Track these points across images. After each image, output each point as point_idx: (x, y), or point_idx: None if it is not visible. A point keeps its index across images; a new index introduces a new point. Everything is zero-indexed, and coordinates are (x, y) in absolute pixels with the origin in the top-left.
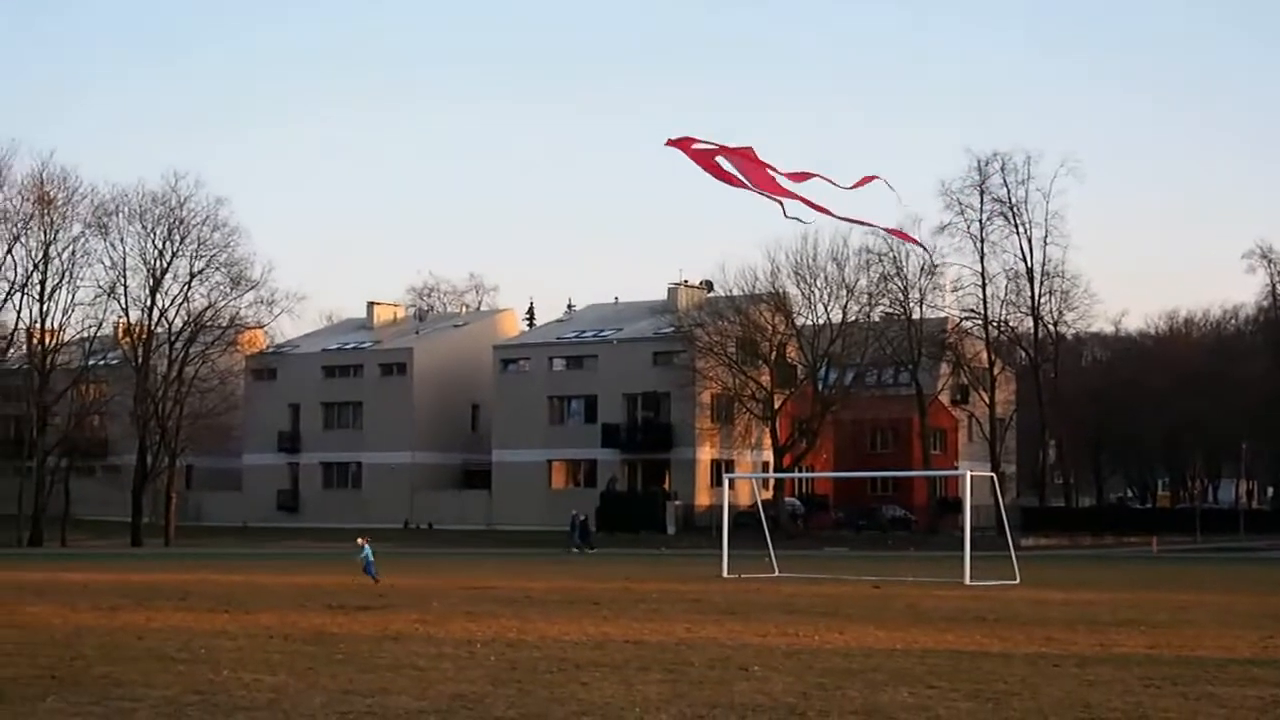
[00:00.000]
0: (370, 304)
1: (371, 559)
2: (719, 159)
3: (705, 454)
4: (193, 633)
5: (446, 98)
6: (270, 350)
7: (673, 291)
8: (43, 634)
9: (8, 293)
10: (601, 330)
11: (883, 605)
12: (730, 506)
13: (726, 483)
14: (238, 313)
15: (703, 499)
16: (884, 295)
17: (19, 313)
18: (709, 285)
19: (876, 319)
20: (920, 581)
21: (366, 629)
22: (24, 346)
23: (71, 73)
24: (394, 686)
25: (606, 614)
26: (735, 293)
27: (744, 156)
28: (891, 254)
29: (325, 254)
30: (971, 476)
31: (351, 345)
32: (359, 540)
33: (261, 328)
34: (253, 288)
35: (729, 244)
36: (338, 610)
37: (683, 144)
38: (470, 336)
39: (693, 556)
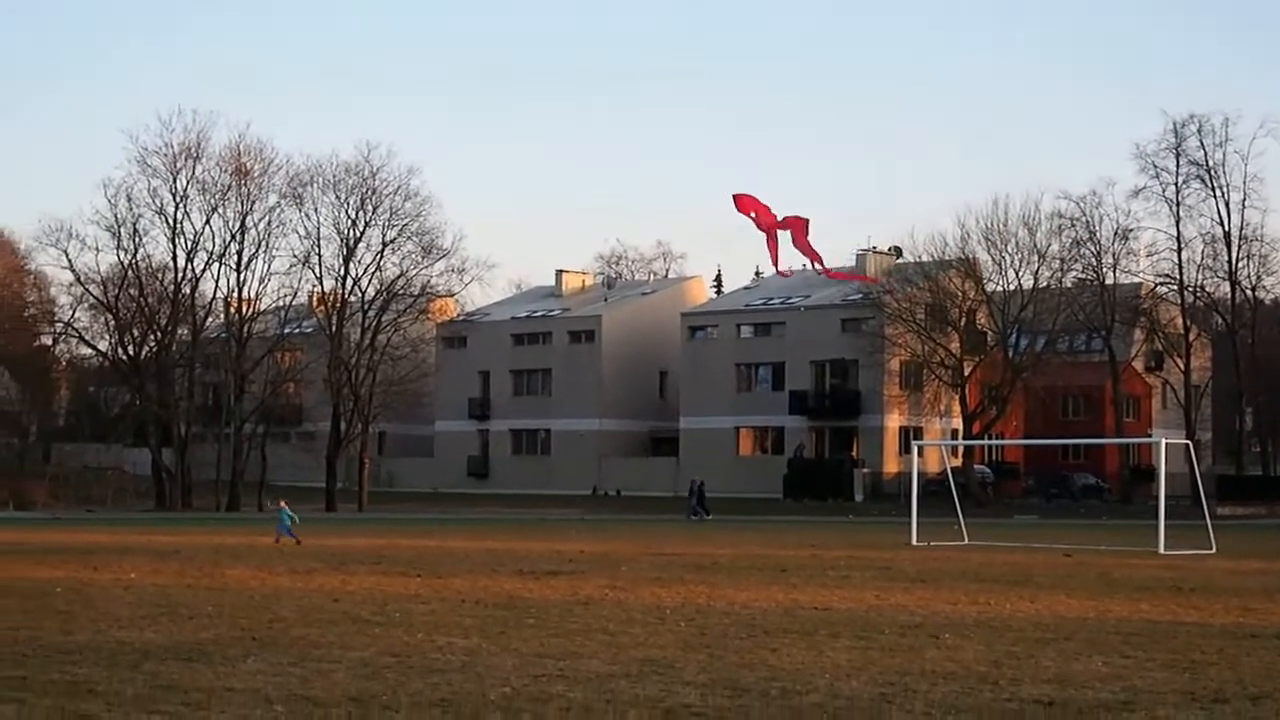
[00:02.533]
0: (559, 272)
1: (287, 522)
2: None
3: (893, 421)
4: (387, 596)
5: (635, 67)
6: (461, 318)
7: (861, 257)
8: (242, 596)
9: (206, 262)
10: (789, 297)
11: (1074, 574)
12: (919, 474)
13: (915, 450)
14: (429, 281)
15: (891, 466)
16: (1076, 260)
17: (217, 282)
18: (898, 251)
19: (1068, 284)
20: (1113, 550)
21: (557, 594)
22: (222, 315)
23: (267, 44)
24: (585, 650)
25: (795, 581)
26: (925, 259)
27: (791, 227)
28: (1084, 219)
29: (515, 223)
30: (1166, 444)
31: (540, 313)
32: (280, 503)
33: (452, 296)
34: (443, 256)
35: (918, 210)
36: (528, 575)
37: (744, 201)
38: (658, 304)
39: (881, 524)
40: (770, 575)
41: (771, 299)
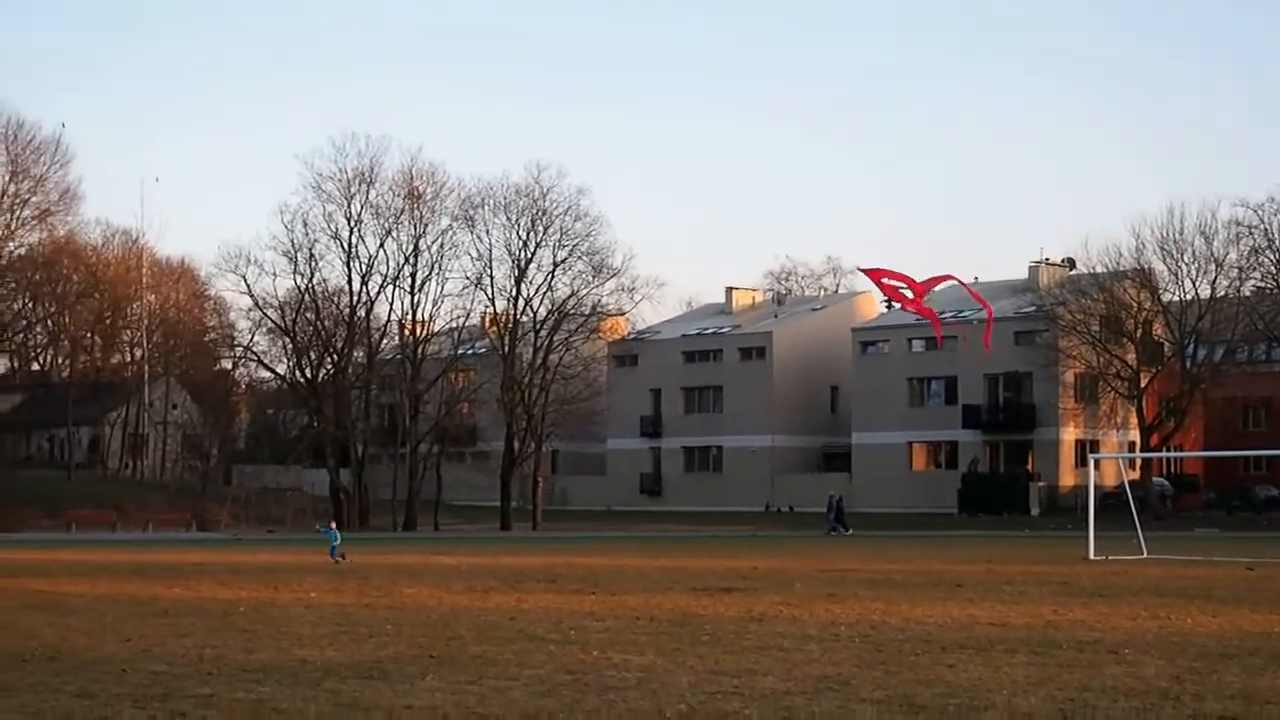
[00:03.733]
0: (729, 289)
1: (336, 542)
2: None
3: (1069, 434)
4: (562, 614)
5: (805, 80)
6: (632, 336)
7: (1034, 269)
8: (419, 615)
9: (380, 285)
10: (961, 311)
11: (1257, 588)
12: (1095, 487)
13: (1091, 463)
14: (600, 300)
15: (1067, 480)
16: (1255, 269)
17: (391, 304)
18: (1071, 263)
19: (1247, 293)
20: None
21: (731, 611)
22: (396, 337)
23: (438, 69)
24: (760, 667)
25: (971, 596)
26: (1098, 269)
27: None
28: (1263, 226)
29: (684, 241)
30: None
31: (711, 330)
32: (331, 524)
33: (623, 314)
34: (614, 275)
35: (1091, 220)
36: (702, 592)
37: (875, 275)
38: (828, 319)
39: (1057, 538)
40: (946, 590)
41: (943, 313)
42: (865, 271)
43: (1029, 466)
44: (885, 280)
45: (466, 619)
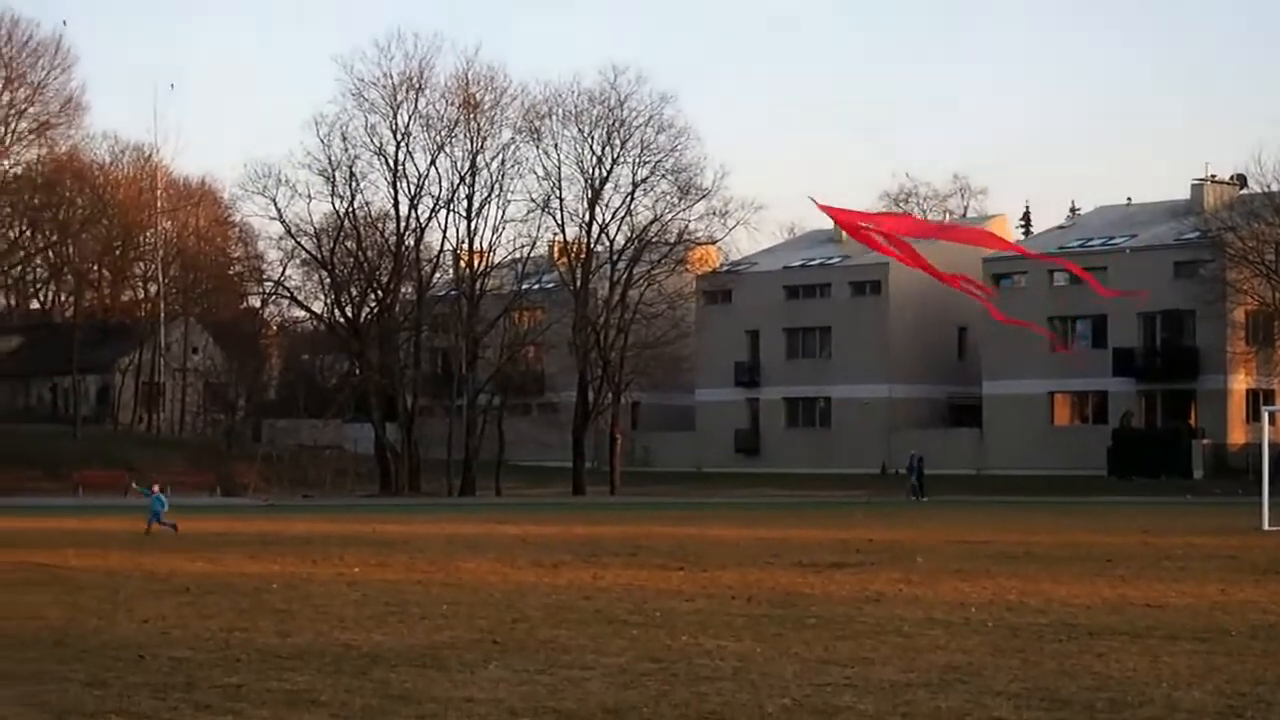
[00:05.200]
0: None
1: (159, 508)
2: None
3: (1239, 383)
4: (645, 592)
5: None
6: (725, 269)
7: (1197, 189)
8: (480, 593)
9: (432, 209)
10: (1112, 238)
11: None
12: (1271, 445)
13: (1266, 416)
14: (687, 226)
15: (1237, 436)
16: None
17: (444, 232)
18: (1241, 180)
19: None
20: None
21: (842, 589)
22: (451, 270)
23: None
24: (876, 655)
25: (1123, 573)
26: (1275, 188)
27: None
28: None
29: (786, 157)
30: None
31: (818, 261)
32: (155, 488)
33: (714, 243)
34: (703, 197)
35: (1266, 130)
36: (808, 568)
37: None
38: (955, 248)
39: (1225, 505)
40: (1094, 566)
41: (1090, 240)
42: (823, 208)
43: (1191, 421)
44: (859, 224)
45: (534, 598)
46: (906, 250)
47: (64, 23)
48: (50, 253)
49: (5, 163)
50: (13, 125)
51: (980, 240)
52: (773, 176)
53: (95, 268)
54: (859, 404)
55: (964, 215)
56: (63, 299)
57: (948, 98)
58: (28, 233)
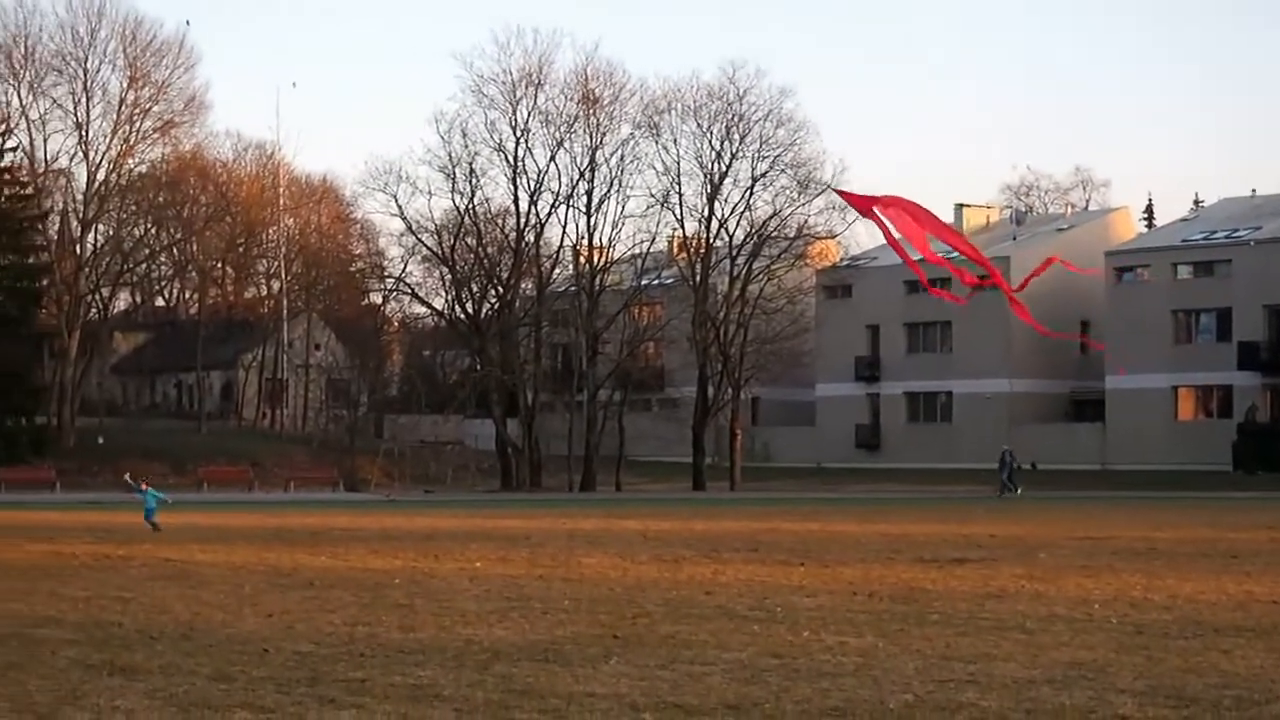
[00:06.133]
0: (959, 206)
1: (153, 504)
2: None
3: None
4: (766, 588)
5: None
6: (845, 263)
7: None
8: (601, 588)
9: (551, 205)
10: (1236, 230)
11: None
12: None
13: None
14: (806, 221)
15: None
16: None
17: (564, 227)
18: None
19: None
20: None
21: (964, 585)
22: (570, 266)
23: None
24: (999, 652)
25: (1249, 569)
26: None
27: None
28: None
29: (906, 150)
30: None
31: (939, 254)
32: (144, 485)
33: (834, 238)
34: (823, 191)
35: None
36: (930, 564)
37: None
38: (1077, 241)
39: None
40: (1219, 563)
41: (1214, 233)
42: (843, 195)
43: None
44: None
45: (655, 594)
46: (916, 234)
47: (187, 22)
48: (175, 250)
49: (130, 161)
50: (138, 124)
51: (968, 253)
52: (893, 170)
53: (219, 265)
54: (980, 399)
55: (1085, 209)
56: (187, 296)
57: (1070, 88)
58: (153, 230)
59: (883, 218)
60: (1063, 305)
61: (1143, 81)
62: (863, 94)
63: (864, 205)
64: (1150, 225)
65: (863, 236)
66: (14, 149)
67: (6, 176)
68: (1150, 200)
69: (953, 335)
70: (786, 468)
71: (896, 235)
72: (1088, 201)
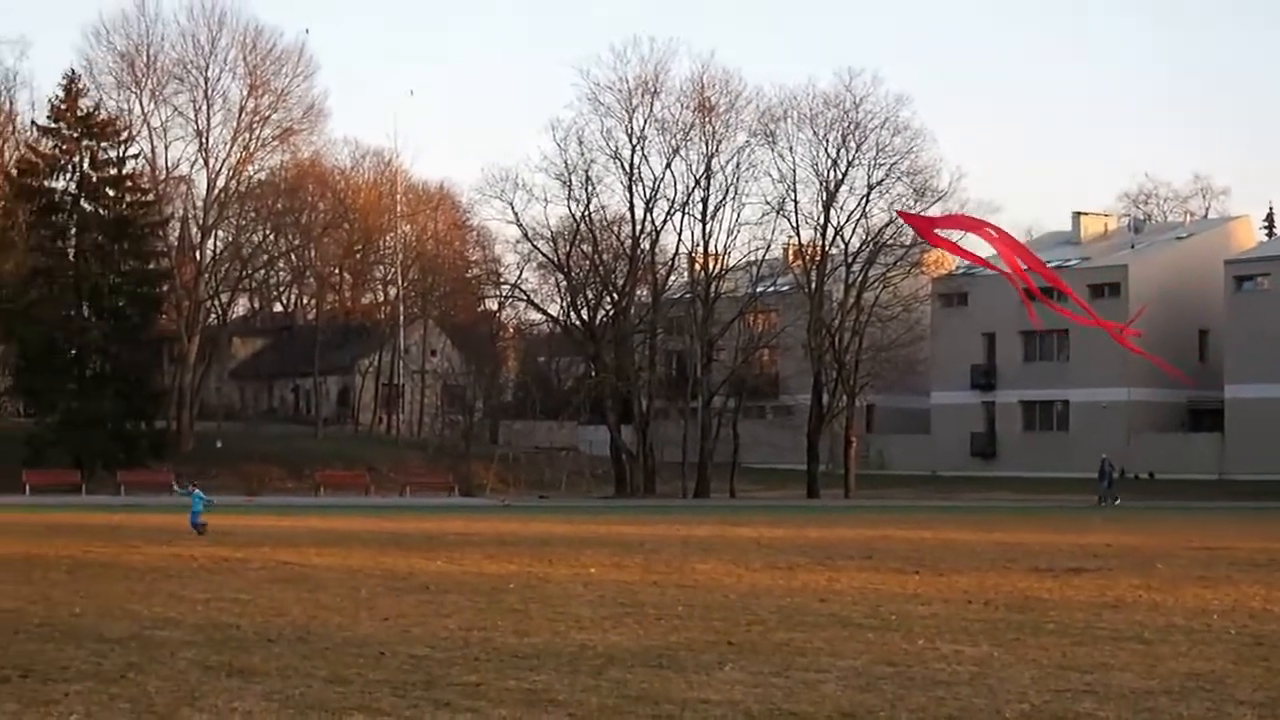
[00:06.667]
0: (1076, 215)
1: (200, 507)
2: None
3: None
4: (880, 596)
5: None
6: (960, 271)
7: None
8: (715, 595)
9: (667, 213)
10: None
11: None
12: None
13: None
14: None
15: None
16: None
17: (679, 235)
18: None
19: None
20: None
21: (1080, 595)
22: (685, 273)
23: None
24: (1115, 662)
25: None
26: None
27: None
28: None
29: (1022, 158)
30: None
31: (1055, 263)
32: (192, 487)
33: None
34: (939, 199)
35: None
36: (1045, 572)
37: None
38: (1196, 250)
39: None
40: None
41: None
42: (906, 217)
43: None
44: (941, 233)
45: (769, 601)
46: (1000, 248)
47: (306, 31)
48: (293, 256)
49: (250, 168)
50: (257, 132)
51: (1029, 261)
52: (1009, 177)
53: (336, 271)
54: (1097, 408)
55: (1204, 217)
56: (305, 302)
57: (1189, 94)
58: (271, 237)
59: (950, 238)
60: (1180, 314)
61: (1263, 88)
62: (979, 100)
63: (925, 227)
64: (1271, 234)
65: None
66: (136, 156)
67: (128, 183)
68: (1271, 209)
69: (1070, 344)
70: (901, 475)
71: (979, 251)
72: (1207, 210)
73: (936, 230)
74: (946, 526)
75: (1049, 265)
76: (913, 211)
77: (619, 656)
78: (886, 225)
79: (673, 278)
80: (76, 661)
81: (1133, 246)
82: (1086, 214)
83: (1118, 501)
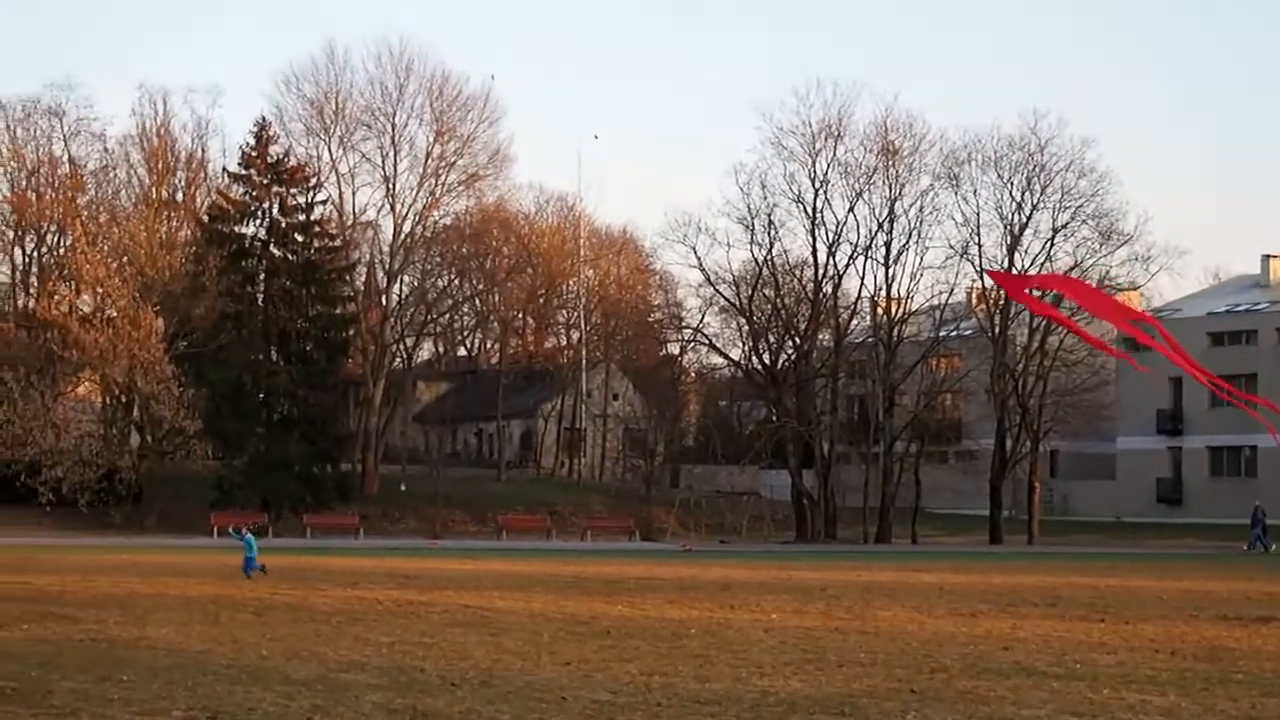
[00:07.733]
0: (1266, 257)
1: (252, 552)
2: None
3: None
4: (1065, 644)
5: None
6: (1147, 315)
7: None
8: (898, 642)
9: (850, 256)
10: None
11: None
12: None
13: None
14: (1108, 271)
15: None
16: None
17: (862, 279)
18: None
19: None
20: None
21: (1270, 644)
22: (868, 317)
23: (910, 6)
24: None
25: None
26: None
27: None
28: None
29: (1210, 200)
30: None
31: (1243, 307)
32: (245, 531)
33: (1136, 289)
34: (1125, 242)
35: None
36: (1234, 621)
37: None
38: None
39: None
40: None
41: None
42: (995, 276)
43: None
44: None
45: (952, 648)
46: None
47: (492, 77)
48: (477, 301)
49: (436, 214)
50: (443, 177)
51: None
52: (1197, 220)
53: (520, 315)
54: None
55: None
56: (488, 346)
57: None
58: (456, 281)
59: (1044, 298)
60: None
61: None
62: (1165, 143)
63: (1016, 287)
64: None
65: (1166, 288)
66: (324, 202)
67: (317, 229)
68: None
69: (1258, 388)
70: (1085, 521)
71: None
72: None
73: (1027, 290)
74: (1132, 574)
75: (1240, 309)
76: (1077, 273)
77: (800, 704)
78: (1072, 268)
79: (855, 322)
80: (264, 704)
81: None
82: (1276, 257)
83: (1272, 549)
